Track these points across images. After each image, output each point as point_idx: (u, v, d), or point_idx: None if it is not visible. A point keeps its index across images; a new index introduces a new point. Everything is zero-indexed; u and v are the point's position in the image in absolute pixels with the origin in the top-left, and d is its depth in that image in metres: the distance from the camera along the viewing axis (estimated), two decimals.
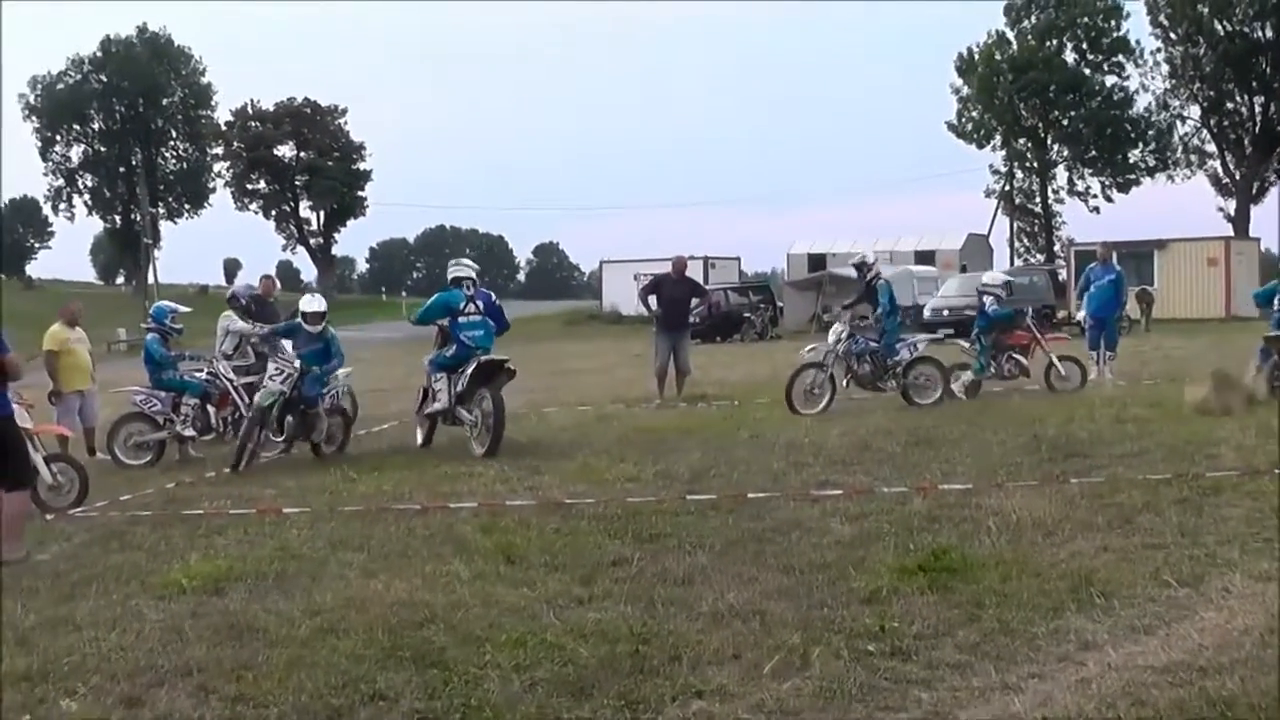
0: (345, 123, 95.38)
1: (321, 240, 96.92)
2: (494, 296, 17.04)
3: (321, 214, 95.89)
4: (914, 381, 18.74)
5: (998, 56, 76.26)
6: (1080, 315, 24.26)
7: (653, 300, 21.59)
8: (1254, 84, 71.76)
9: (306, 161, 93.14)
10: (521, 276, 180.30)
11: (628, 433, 16.72)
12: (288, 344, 15.88)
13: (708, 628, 7.40)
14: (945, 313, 43.66)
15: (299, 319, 16.14)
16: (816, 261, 64.97)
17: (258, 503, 12.47)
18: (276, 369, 15.68)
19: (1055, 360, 20.34)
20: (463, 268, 16.77)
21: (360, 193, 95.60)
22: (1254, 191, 72.43)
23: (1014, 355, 20.35)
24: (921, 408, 18.17)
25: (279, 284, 22.83)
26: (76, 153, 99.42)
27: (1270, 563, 8.44)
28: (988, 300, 20.56)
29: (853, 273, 22.23)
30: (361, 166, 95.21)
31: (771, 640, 7.08)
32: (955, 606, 7.64)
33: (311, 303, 16.41)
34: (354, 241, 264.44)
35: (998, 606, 7.57)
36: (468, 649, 7.10)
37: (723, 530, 10.11)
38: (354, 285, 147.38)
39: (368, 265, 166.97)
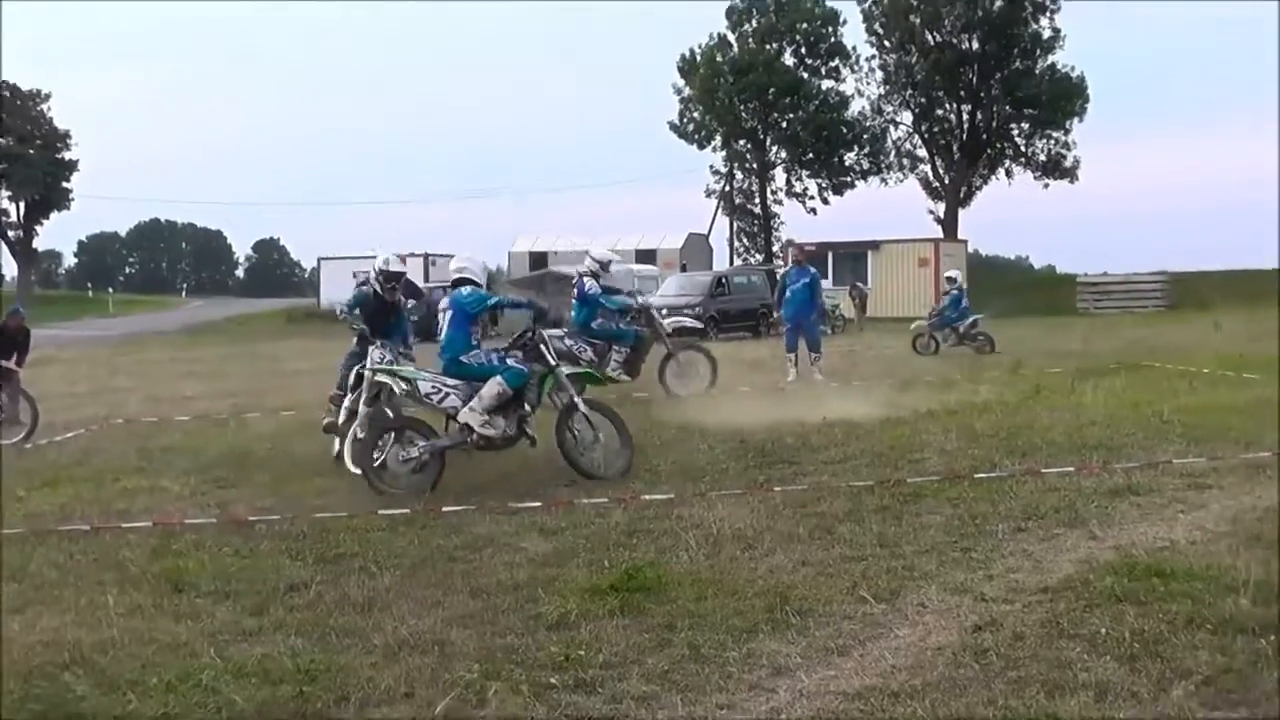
0: (48, 109, 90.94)
1: (22, 233, 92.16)
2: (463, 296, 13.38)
3: (22, 205, 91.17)
4: None
5: (719, 59, 77.12)
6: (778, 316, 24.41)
7: None
8: (962, 93, 74.17)
9: (4, 149, 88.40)
10: (241, 273, 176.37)
11: (331, 441, 15.98)
12: None
13: (382, 662, 6.88)
14: (664, 311, 43.82)
15: None
16: (538, 259, 64.82)
17: None
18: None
19: None
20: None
21: (65, 184, 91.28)
22: (962, 195, 74.80)
23: None
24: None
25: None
26: None
27: (966, 573, 8.33)
28: None
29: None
30: (66, 156, 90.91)
31: (449, 675, 6.61)
32: (647, 630, 7.29)
33: None
34: (60, 234, 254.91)
35: (690, 629, 7.25)
36: (111, 696, 6.44)
37: (412, 548, 9.60)
38: (61, 280, 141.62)
39: (76, 259, 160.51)
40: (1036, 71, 72.71)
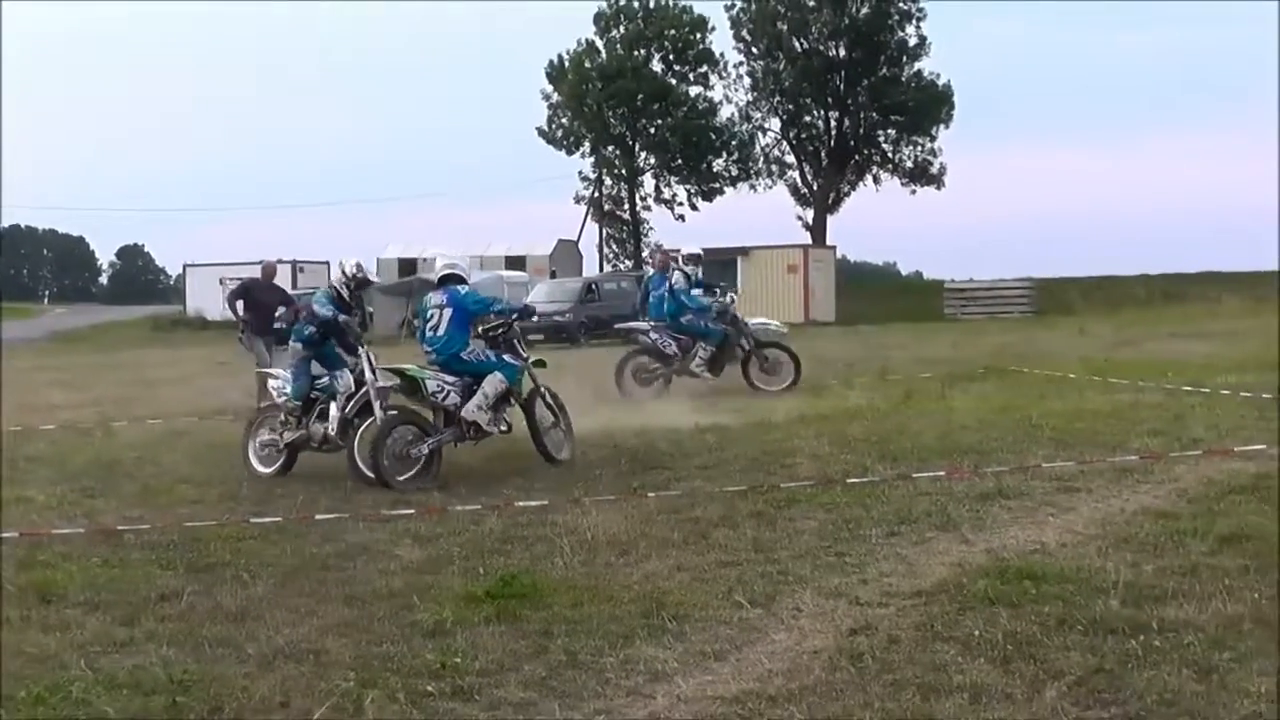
0: None
1: None
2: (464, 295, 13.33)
3: None
4: None
5: (587, 65, 77.18)
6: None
7: (239, 306, 20.94)
8: (829, 99, 74.91)
9: None
10: (105, 280, 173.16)
11: (199, 450, 15.78)
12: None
13: (256, 671, 6.79)
14: (534, 318, 43.80)
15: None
16: (407, 267, 64.46)
17: None
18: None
19: None
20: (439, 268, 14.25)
21: None
22: (830, 202, 75.55)
23: None
24: None
25: None
26: None
27: (840, 578, 8.40)
28: None
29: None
30: None
31: (324, 684, 6.54)
32: (523, 637, 7.27)
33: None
34: None
35: (567, 636, 7.24)
36: None
37: (285, 557, 9.49)
38: None
39: None
40: (903, 79, 73.70)
